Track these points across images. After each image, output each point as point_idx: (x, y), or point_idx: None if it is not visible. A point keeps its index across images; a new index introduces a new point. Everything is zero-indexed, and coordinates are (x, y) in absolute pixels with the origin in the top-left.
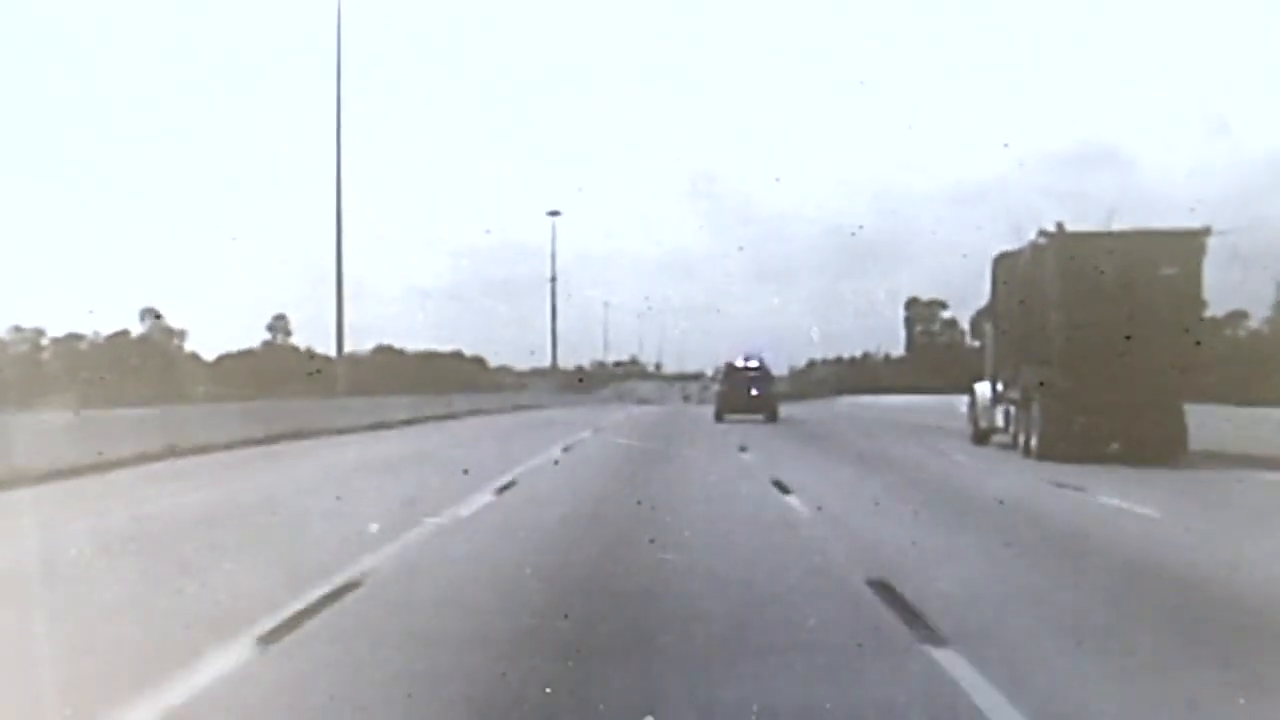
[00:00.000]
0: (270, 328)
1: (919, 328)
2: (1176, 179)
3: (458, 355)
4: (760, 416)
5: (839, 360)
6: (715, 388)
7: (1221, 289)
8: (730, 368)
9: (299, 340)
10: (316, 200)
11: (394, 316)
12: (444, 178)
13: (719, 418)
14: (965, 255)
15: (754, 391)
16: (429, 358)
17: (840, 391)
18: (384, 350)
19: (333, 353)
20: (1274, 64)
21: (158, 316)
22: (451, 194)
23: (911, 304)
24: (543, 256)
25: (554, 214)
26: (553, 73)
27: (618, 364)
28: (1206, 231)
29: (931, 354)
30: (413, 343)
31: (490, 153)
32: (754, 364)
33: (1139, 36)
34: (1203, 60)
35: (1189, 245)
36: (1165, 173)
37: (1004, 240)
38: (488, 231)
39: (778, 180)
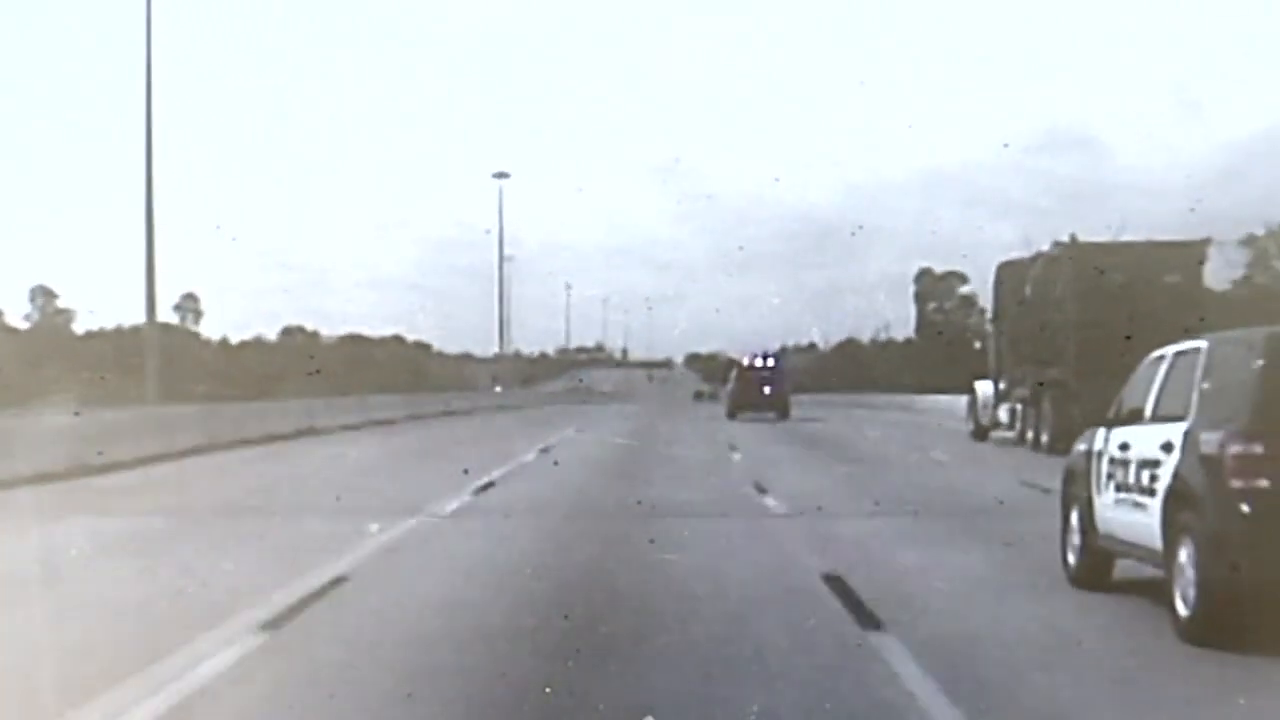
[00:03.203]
0: (178, 308)
1: (931, 305)
2: (1168, 166)
3: (397, 340)
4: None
5: (812, 348)
6: (728, 386)
7: None
8: (741, 367)
9: (211, 322)
10: (246, 175)
11: (349, 301)
12: (414, 166)
13: (731, 416)
14: (965, 255)
15: (765, 390)
16: (352, 343)
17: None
18: (293, 333)
19: (246, 335)
20: (1247, 49)
21: (50, 295)
22: (418, 182)
23: (922, 277)
24: (510, 243)
25: (501, 175)
26: (523, 58)
27: (581, 350)
28: (1207, 242)
29: (942, 338)
30: (369, 328)
31: (461, 141)
32: (766, 362)
33: (1119, 23)
34: (1180, 46)
35: (1191, 255)
36: (1160, 160)
37: (989, 226)
38: (487, 232)
39: (777, 180)
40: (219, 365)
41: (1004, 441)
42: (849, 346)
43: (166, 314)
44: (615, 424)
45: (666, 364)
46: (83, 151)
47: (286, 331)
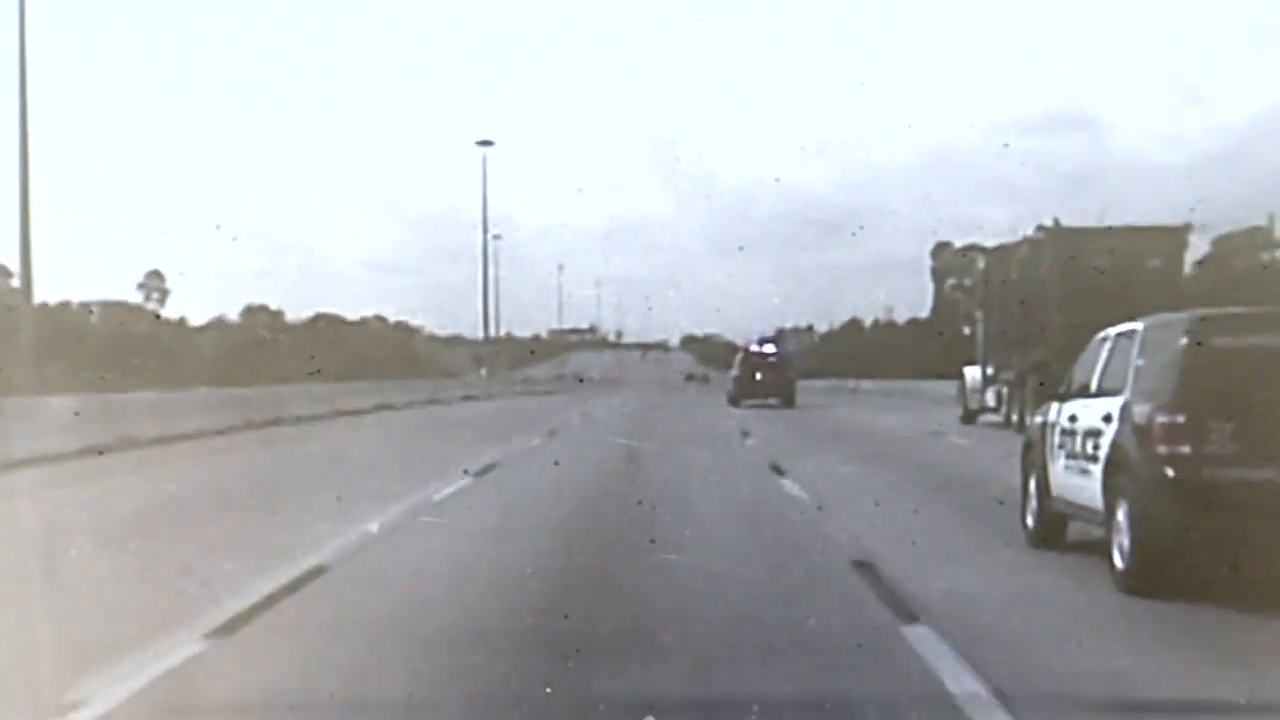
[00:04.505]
0: (142, 286)
1: (950, 281)
2: (1168, 150)
3: (378, 320)
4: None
5: (809, 330)
6: (731, 372)
7: None
8: (746, 353)
9: (178, 301)
10: (220, 147)
11: (341, 284)
12: (413, 152)
13: (734, 403)
14: (964, 254)
15: (770, 376)
16: (322, 325)
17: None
18: (257, 312)
19: (202, 317)
20: (1247, 33)
21: (6, 274)
22: (417, 167)
23: (940, 251)
24: (503, 225)
25: (485, 144)
26: (524, 43)
27: (574, 332)
28: (1187, 228)
29: (943, 323)
30: (366, 312)
31: (463, 126)
32: (770, 348)
33: (1118, 9)
34: (1180, 30)
35: (1171, 240)
36: (1160, 144)
37: (989, 211)
38: (492, 233)
39: (777, 180)
40: (162, 348)
41: (992, 425)
42: (849, 329)
43: (129, 293)
44: (569, 451)
45: (662, 345)
46: (34, 126)
47: (249, 311)
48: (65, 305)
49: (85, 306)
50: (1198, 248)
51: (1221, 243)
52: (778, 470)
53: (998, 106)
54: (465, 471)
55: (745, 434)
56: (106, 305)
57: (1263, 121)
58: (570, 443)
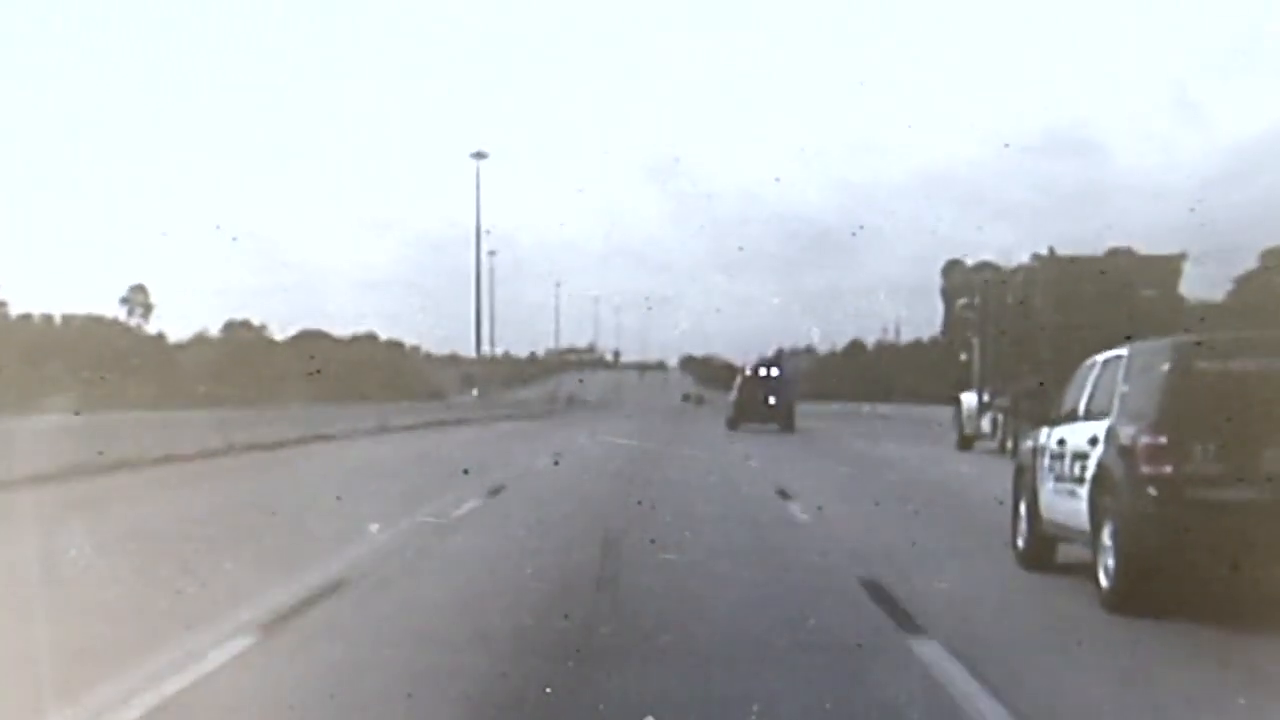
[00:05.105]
0: (125, 300)
1: (961, 301)
2: (1168, 167)
3: (369, 339)
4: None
5: (809, 350)
6: (730, 396)
7: None
8: (745, 376)
9: (161, 316)
10: (208, 158)
11: (330, 300)
12: (409, 166)
13: (732, 427)
14: (975, 273)
15: (769, 400)
16: (308, 341)
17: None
18: (238, 328)
19: (184, 333)
20: (1247, 50)
21: None
22: (414, 182)
23: (950, 270)
24: (501, 243)
25: (479, 156)
26: (521, 56)
27: (571, 351)
28: (1182, 257)
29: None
30: (344, 328)
31: (459, 139)
32: (769, 371)
33: (1118, 24)
34: (1180, 47)
35: (1166, 268)
36: (1159, 161)
37: (988, 227)
38: (488, 249)
39: (777, 180)
40: (129, 364)
41: (988, 451)
42: (851, 350)
43: (112, 307)
44: (508, 525)
45: (660, 366)
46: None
47: (229, 327)
48: (27, 317)
49: (48, 319)
50: (1243, 264)
51: (1270, 256)
52: (885, 601)
53: (999, 125)
54: (270, 613)
55: (784, 495)
56: (69, 318)
57: (1265, 139)
58: (516, 511)
